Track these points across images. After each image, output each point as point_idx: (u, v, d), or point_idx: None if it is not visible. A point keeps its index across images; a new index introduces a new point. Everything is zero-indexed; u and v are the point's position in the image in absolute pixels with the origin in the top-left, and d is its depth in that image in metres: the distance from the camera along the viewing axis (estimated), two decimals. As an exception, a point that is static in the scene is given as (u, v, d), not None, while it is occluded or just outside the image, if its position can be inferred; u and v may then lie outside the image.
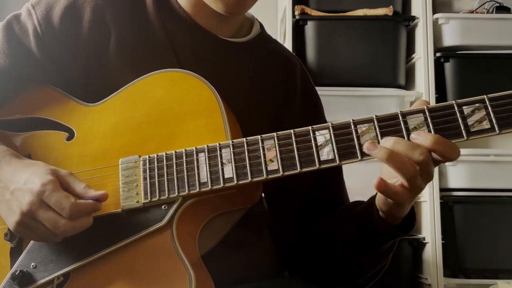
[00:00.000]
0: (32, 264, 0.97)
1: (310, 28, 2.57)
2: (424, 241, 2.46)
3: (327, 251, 1.11)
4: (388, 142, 0.87)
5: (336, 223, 1.11)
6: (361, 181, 2.25)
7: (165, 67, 1.04)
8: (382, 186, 0.89)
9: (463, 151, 2.64)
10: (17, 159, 0.99)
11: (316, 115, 1.24)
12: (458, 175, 2.48)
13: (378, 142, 0.88)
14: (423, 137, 0.86)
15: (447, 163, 2.47)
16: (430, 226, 2.42)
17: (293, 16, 2.60)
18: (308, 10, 2.59)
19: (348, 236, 1.06)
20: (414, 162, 0.86)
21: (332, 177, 1.20)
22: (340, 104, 2.47)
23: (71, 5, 1.10)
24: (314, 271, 1.15)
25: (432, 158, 0.87)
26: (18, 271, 0.96)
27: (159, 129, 1.00)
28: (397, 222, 0.99)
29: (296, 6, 2.59)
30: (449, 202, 2.46)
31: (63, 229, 0.91)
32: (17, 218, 0.92)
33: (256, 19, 1.25)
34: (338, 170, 1.21)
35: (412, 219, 1.01)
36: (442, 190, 2.48)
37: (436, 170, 2.54)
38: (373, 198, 1.01)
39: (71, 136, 1.05)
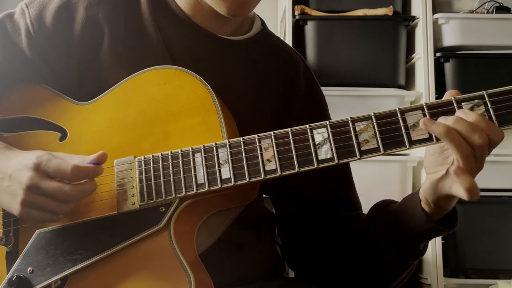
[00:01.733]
0: (29, 268, 0.96)
1: (310, 28, 2.57)
2: (424, 241, 2.45)
3: (340, 253, 1.10)
4: (448, 120, 0.84)
5: (368, 224, 1.07)
6: (362, 181, 2.25)
7: (158, 65, 1.03)
8: (431, 122, 0.84)
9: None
10: (10, 150, 1.00)
11: (320, 114, 1.22)
12: (459, 175, 2.48)
13: (377, 141, 0.87)
14: (469, 115, 0.84)
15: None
16: (430, 227, 2.42)
17: (293, 16, 2.60)
18: (308, 10, 2.58)
19: (383, 235, 1.03)
20: (472, 144, 0.83)
21: (341, 177, 1.19)
22: (340, 104, 2.47)
23: (64, 5, 1.10)
24: (324, 272, 1.14)
25: None
26: (15, 276, 0.95)
27: (154, 127, 0.99)
28: (439, 217, 0.96)
29: (296, 6, 2.59)
30: (449, 202, 2.45)
31: (69, 194, 0.91)
32: (20, 198, 0.91)
33: (258, 16, 1.24)
34: (346, 170, 1.20)
35: (455, 215, 0.98)
36: (442, 190, 2.47)
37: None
38: (412, 194, 0.99)
39: (63, 136, 1.04)
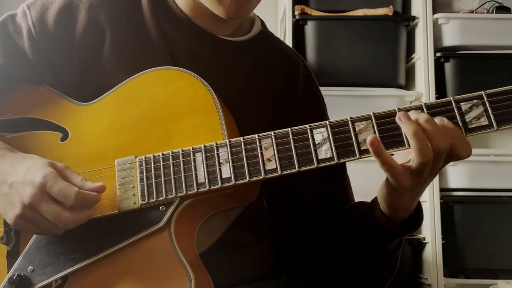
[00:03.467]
0: (30, 267, 0.96)
1: (310, 28, 2.57)
2: (424, 241, 2.46)
3: (332, 253, 1.11)
4: (422, 116, 0.86)
5: (340, 224, 1.10)
6: (361, 181, 2.25)
7: (159, 66, 1.03)
8: (376, 143, 0.86)
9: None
10: (12, 152, 0.99)
11: (318, 115, 1.21)
12: (458, 175, 2.48)
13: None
14: (447, 123, 0.86)
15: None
16: (430, 226, 2.42)
17: (293, 16, 2.60)
18: (308, 10, 2.59)
19: (351, 237, 1.06)
20: (434, 147, 0.85)
21: (336, 178, 1.19)
22: (340, 104, 2.47)
23: (66, 6, 1.10)
24: (316, 272, 1.14)
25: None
26: (16, 275, 0.95)
27: (154, 128, 0.99)
28: (400, 219, 0.98)
29: (296, 6, 2.59)
30: (449, 202, 2.45)
31: (65, 222, 0.90)
32: (18, 211, 0.91)
33: (258, 16, 1.24)
34: (342, 170, 1.20)
35: (418, 217, 1.01)
36: (442, 190, 2.48)
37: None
38: (375, 198, 1.01)
39: (65, 136, 1.04)
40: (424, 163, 0.86)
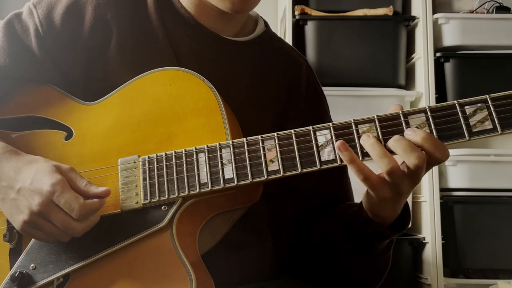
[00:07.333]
0: (32, 265, 0.97)
1: (310, 28, 2.57)
2: (424, 241, 2.46)
3: (323, 253, 1.12)
4: (391, 139, 0.87)
5: (330, 224, 1.11)
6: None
7: (164, 66, 1.03)
8: (344, 148, 0.88)
9: (463, 151, 2.62)
10: (17, 155, 0.99)
11: (320, 115, 1.23)
12: (458, 175, 2.48)
13: (381, 143, 0.88)
14: (416, 133, 0.86)
15: (447, 163, 2.47)
16: (430, 226, 2.42)
17: (293, 16, 2.60)
18: (308, 10, 2.59)
19: (341, 237, 1.07)
20: (409, 164, 0.86)
21: (337, 178, 1.19)
22: (340, 104, 2.47)
23: (73, 5, 1.10)
24: (313, 272, 1.15)
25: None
26: (18, 272, 0.95)
27: (158, 128, 1.00)
28: (388, 222, 0.99)
29: (296, 6, 2.59)
30: (449, 202, 2.45)
31: (74, 231, 0.92)
32: (25, 217, 0.92)
33: (261, 17, 1.25)
34: (343, 170, 1.20)
35: (406, 218, 1.01)
36: (442, 190, 2.48)
37: (436, 170, 2.52)
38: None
39: (69, 135, 1.05)
40: (394, 176, 0.88)
